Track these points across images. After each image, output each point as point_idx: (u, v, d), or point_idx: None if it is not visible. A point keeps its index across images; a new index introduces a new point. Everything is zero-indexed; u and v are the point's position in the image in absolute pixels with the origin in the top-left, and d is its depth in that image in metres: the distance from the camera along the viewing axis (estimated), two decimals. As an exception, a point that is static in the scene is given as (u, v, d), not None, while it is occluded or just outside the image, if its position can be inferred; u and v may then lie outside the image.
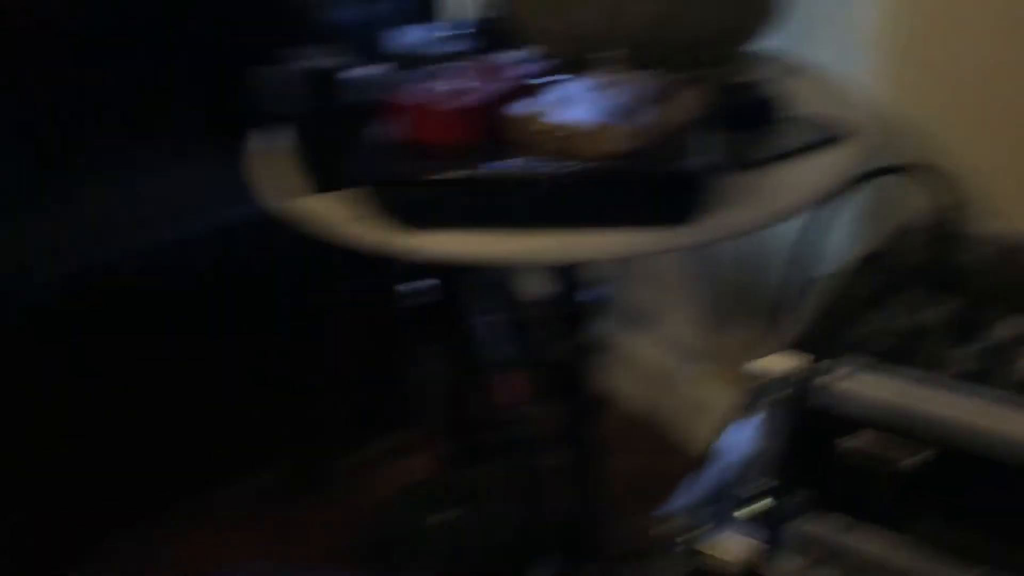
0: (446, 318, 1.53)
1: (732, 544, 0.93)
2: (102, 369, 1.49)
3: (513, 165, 0.93)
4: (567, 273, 1.23)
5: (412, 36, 1.20)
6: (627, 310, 1.82)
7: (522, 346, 1.58)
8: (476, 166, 0.92)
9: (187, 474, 1.65)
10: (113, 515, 1.61)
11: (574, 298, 1.23)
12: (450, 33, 1.22)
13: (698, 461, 1.00)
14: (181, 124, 1.58)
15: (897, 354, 0.87)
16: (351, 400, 1.69)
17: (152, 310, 1.51)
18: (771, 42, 1.22)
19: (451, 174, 0.91)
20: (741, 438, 0.96)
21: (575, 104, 0.97)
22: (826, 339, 0.89)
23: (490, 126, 0.97)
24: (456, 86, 0.99)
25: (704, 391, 1.74)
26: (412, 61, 1.12)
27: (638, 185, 0.94)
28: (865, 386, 0.85)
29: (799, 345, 0.89)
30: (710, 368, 1.74)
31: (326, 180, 1.01)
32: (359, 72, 1.03)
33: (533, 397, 1.56)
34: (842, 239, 1.22)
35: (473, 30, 1.22)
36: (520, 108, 0.97)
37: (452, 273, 1.50)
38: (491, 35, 1.20)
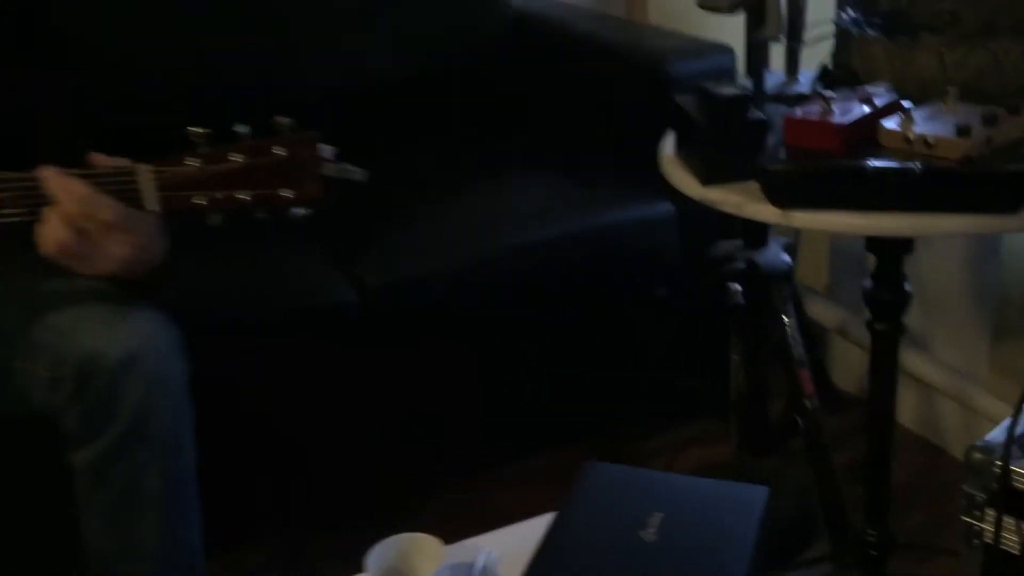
0: (752, 317, 1.83)
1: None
2: (480, 342, 1.88)
3: (889, 162, 1.26)
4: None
5: (773, 79, 1.56)
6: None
7: (811, 346, 1.87)
8: (862, 161, 1.26)
9: (504, 444, 2.00)
10: (456, 473, 1.97)
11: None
12: (800, 77, 1.58)
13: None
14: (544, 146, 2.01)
15: None
16: (660, 386, 2.01)
17: (518, 298, 1.88)
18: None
19: (845, 164, 1.25)
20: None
21: (929, 122, 1.30)
22: None
23: (865, 136, 1.31)
24: (837, 107, 1.33)
25: (982, 406, 1.98)
26: (781, 98, 1.48)
27: (982, 180, 1.26)
28: None
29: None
30: (988, 384, 1.98)
31: (730, 173, 1.37)
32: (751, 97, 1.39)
33: (820, 395, 1.84)
34: None
35: (819, 75, 1.57)
36: (890, 123, 1.31)
37: (759, 278, 1.81)
38: (834, 78, 1.54)
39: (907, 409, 2.13)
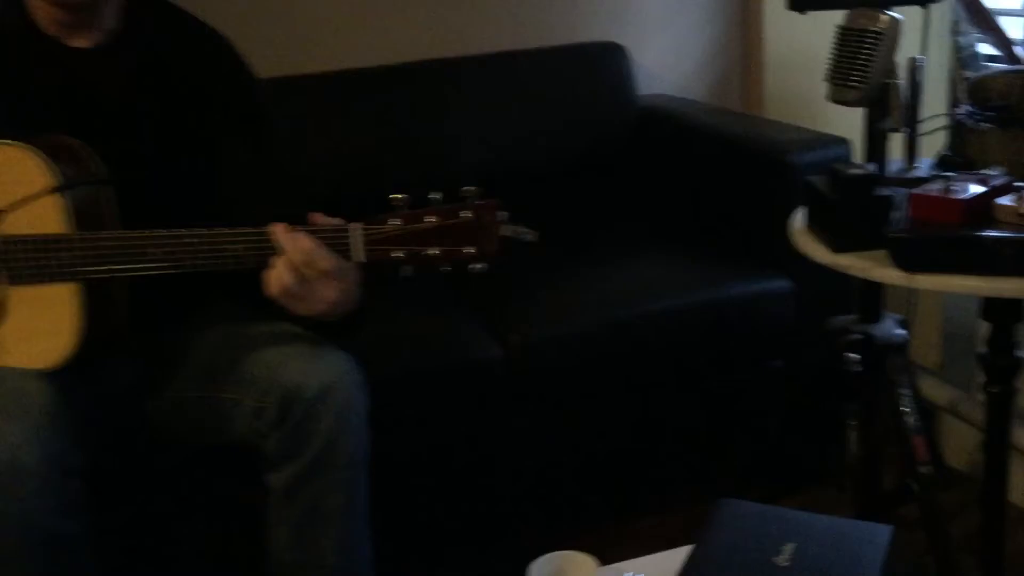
0: (867, 386, 1.95)
1: None
2: (609, 399, 2.04)
3: (1004, 233, 1.41)
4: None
5: (893, 165, 1.72)
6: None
7: (923, 423, 1.97)
8: (980, 232, 1.41)
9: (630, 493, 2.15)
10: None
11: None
12: (918, 163, 1.74)
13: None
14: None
15: None
16: (775, 454, 2.13)
17: (646, 361, 2.04)
18: None
19: (966, 233, 1.40)
20: None
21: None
22: None
23: (982, 212, 1.46)
24: (956, 186, 1.49)
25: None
26: (902, 180, 1.64)
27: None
28: None
29: None
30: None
31: (858, 243, 1.52)
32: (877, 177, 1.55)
33: (933, 461, 1.94)
34: None
35: (938, 160, 1.73)
36: (1005, 200, 1.45)
37: (876, 348, 1.93)
38: (951, 163, 1.70)
39: (1018, 485, 2.19)
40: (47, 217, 1.38)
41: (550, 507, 2.04)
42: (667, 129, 2.50)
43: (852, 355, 1.87)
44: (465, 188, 1.34)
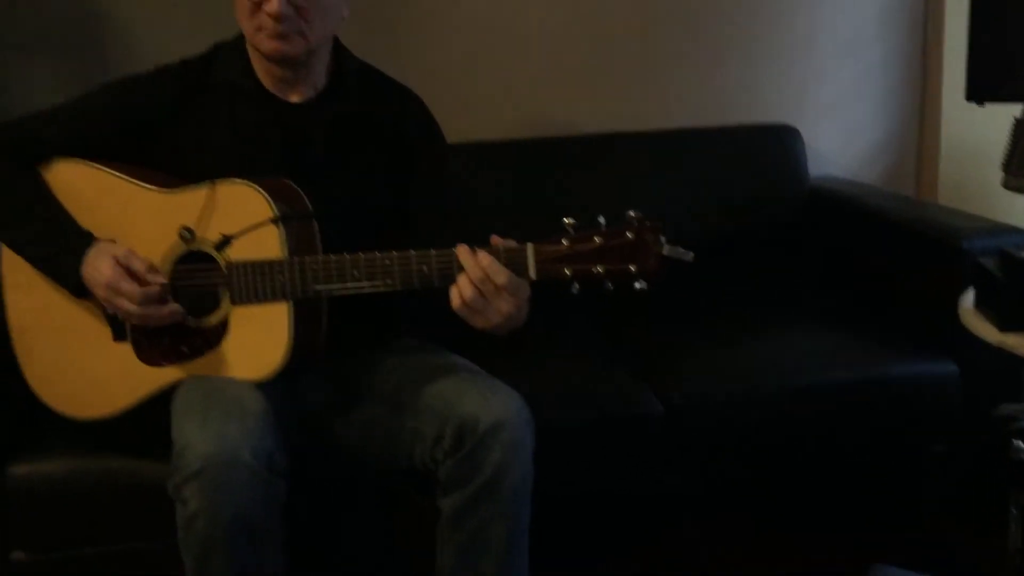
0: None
1: None
2: (762, 462, 2.07)
3: None
4: None
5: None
6: None
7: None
8: None
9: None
10: None
11: None
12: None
13: None
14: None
15: None
16: (934, 538, 2.10)
17: (802, 430, 2.06)
18: None
19: None
20: None
21: None
22: None
23: None
24: None
25: None
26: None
27: None
28: None
29: None
30: None
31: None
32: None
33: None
34: None
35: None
36: None
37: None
38: None
39: None
40: (266, 245, 1.55)
41: (692, 566, 2.08)
42: (837, 210, 2.54)
43: (1019, 443, 1.86)
44: (630, 212, 1.45)
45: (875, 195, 2.57)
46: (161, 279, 1.58)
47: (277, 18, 1.58)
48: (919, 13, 2.73)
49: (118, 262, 1.57)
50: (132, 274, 1.57)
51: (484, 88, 2.58)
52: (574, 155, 2.50)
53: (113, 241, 1.61)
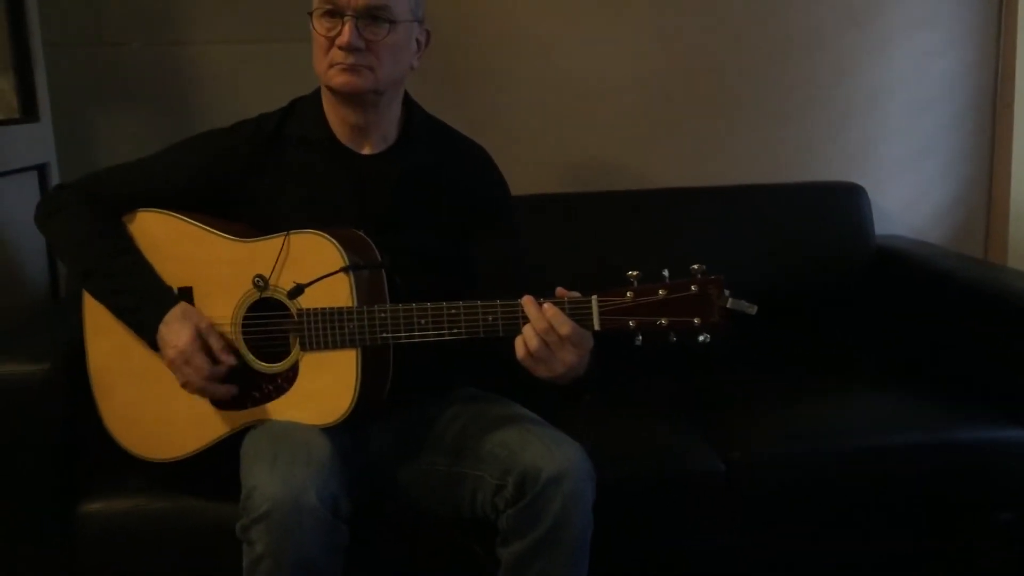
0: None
1: None
2: (819, 525, 2.04)
3: None
4: None
5: None
6: None
7: None
8: None
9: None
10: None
11: None
12: None
13: None
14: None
15: None
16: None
17: (863, 495, 2.03)
18: None
19: None
20: None
21: None
22: None
23: None
24: None
25: None
26: None
27: None
28: None
29: None
30: None
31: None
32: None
33: None
34: None
35: None
36: None
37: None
38: None
39: None
40: (336, 293, 1.60)
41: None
42: (903, 270, 2.52)
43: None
44: (694, 266, 1.47)
45: (943, 256, 2.54)
46: (232, 361, 1.64)
47: (348, 48, 1.63)
48: (990, 71, 2.72)
49: (199, 334, 1.62)
50: (207, 348, 1.63)
51: (549, 141, 2.62)
52: (638, 209, 2.52)
53: (189, 288, 1.66)
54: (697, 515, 1.97)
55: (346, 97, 1.70)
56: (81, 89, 2.46)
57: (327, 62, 1.67)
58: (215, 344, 1.63)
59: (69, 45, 2.45)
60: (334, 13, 1.65)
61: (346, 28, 1.63)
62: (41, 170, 2.31)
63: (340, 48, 1.64)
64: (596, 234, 2.47)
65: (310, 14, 1.68)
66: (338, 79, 1.66)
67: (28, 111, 2.32)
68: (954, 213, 2.78)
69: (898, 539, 2.09)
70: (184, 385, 1.65)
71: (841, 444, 2.02)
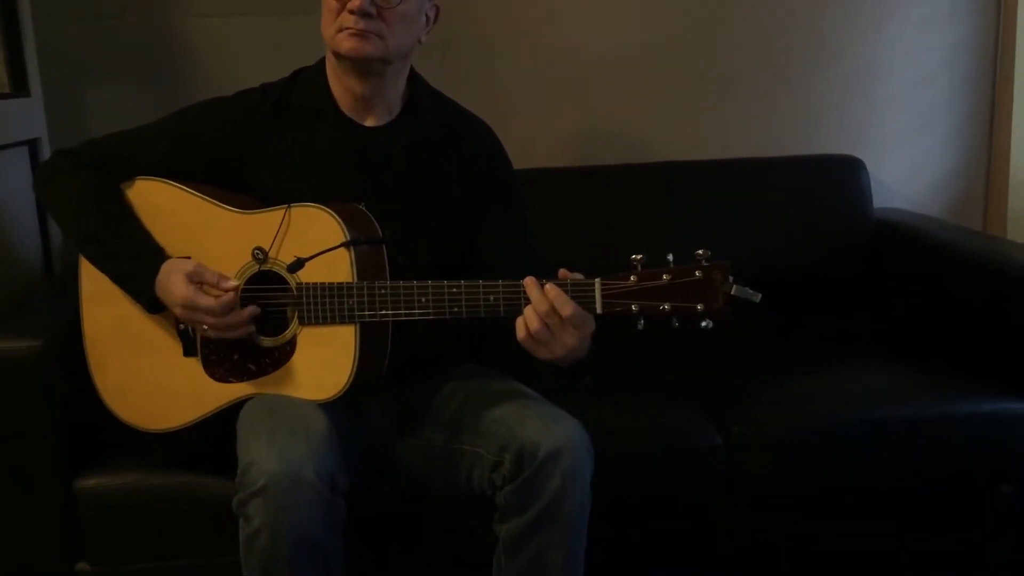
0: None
1: None
2: (819, 504, 2.04)
3: None
4: None
5: None
6: None
7: None
8: None
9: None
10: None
11: None
12: None
13: None
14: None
15: None
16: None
17: (863, 467, 2.02)
18: None
19: None
20: None
21: None
22: None
23: None
24: None
25: None
26: None
27: None
28: None
29: None
30: None
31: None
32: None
33: None
34: None
35: None
36: None
37: None
38: None
39: None
40: (336, 268, 1.58)
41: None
42: (904, 243, 2.51)
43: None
44: (698, 251, 1.45)
45: (942, 228, 2.53)
46: (233, 282, 1.61)
47: (360, 12, 1.60)
48: (990, 45, 2.70)
49: (190, 279, 1.60)
50: (204, 286, 1.60)
51: (550, 115, 2.60)
52: (638, 182, 2.50)
53: (188, 257, 1.65)
54: (696, 490, 1.96)
55: (353, 63, 1.67)
56: (73, 63, 2.43)
57: (336, 26, 1.64)
58: (209, 278, 1.60)
59: (60, 18, 2.41)
60: None
61: None
62: (32, 145, 2.28)
63: (351, 12, 1.61)
64: (596, 207, 2.46)
65: (322, -24, 1.65)
66: (347, 44, 1.63)
67: (19, 86, 2.29)
68: (953, 186, 2.77)
69: (897, 513, 2.09)
70: (209, 331, 1.62)
71: (840, 418, 2.01)
